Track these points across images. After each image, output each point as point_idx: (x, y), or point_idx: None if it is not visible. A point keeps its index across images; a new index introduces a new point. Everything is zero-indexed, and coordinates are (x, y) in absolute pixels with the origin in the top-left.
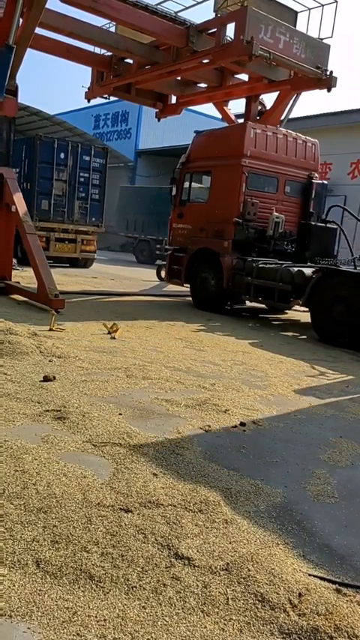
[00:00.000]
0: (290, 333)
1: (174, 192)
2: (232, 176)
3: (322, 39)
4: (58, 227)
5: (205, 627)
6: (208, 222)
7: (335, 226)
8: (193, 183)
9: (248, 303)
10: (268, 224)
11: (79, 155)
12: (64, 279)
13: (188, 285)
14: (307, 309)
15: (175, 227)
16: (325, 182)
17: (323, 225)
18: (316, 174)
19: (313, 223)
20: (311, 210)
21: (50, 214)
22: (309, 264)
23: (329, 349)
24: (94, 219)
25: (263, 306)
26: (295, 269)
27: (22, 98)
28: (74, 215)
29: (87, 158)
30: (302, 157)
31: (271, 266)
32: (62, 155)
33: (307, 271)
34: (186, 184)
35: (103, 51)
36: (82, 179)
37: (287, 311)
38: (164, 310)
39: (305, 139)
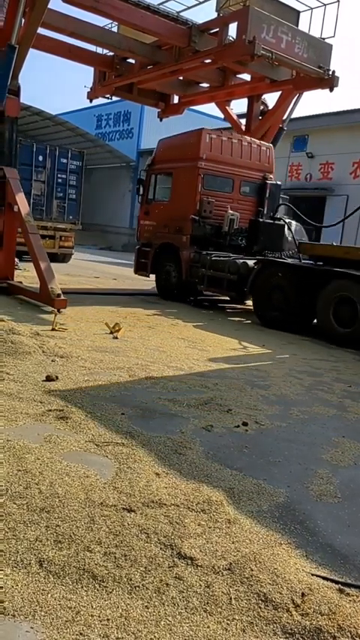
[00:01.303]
0: (237, 318)
1: (141, 192)
2: (189, 177)
3: (324, 38)
4: (37, 224)
5: (208, 627)
6: (170, 220)
7: (283, 223)
8: (157, 184)
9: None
10: (224, 221)
11: (57, 158)
12: (66, 279)
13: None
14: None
15: (142, 224)
16: (279, 182)
17: (271, 221)
18: (271, 176)
19: (261, 220)
20: (265, 208)
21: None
22: (257, 257)
23: (332, 349)
24: (71, 217)
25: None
26: (241, 261)
27: (24, 98)
28: (52, 213)
29: (64, 161)
30: (257, 160)
31: (221, 258)
32: (40, 158)
33: (251, 263)
34: (152, 185)
35: (106, 51)
36: (59, 180)
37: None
38: (167, 309)
39: (260, 143)
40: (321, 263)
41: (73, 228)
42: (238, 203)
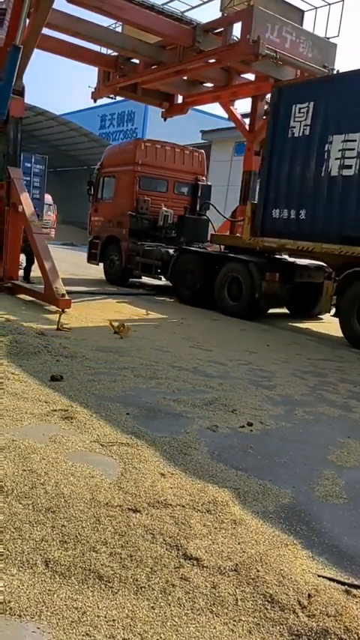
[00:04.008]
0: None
1: (92, 192)
2: (128, 180)
3: (328, 38)
4: None
5: (215, 628)
6: (113, 215)
7: (206, 218)
8: (104, 185)
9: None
10: (159, 216)
11: (21, 162)
12: (70, 279)
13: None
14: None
15: (93, 219)
16: (210, 184)
17: (196, 217)
18: (203, 178)
19: (187, 216)
20: (198, 205)
21: None
22: (183, 246)
23: (336, 349)
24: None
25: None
26: (164, 249)
27: (29, 98)
28: None
29: (28, 165)
30: (189, 165)
31: (151, 248)
32: None
33: (171, 251)
34: (100, 186)
35: (110, 51)
36: (24, 182)
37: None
38: (169, 309)
39: (192, 150)
40: (227, 250)
41: None
42: (172, 201)
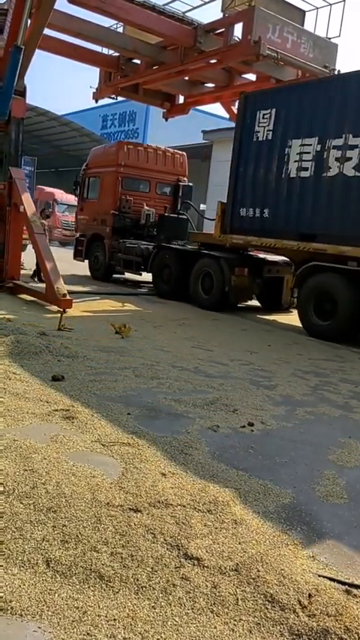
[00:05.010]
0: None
1: (78, 192)
2: (111, 180)
3: (329, 38)
4: None
5: (215, 627)
6: (98, 214)
7: (186, 217)
8: (90, 185)
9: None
10: (141, 215)
11: None
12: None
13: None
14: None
15: (79, 218)
16: (191, 184)
17: (175, 216)
18: (184, 179)
19: (167, 215)
20: (179, 205)
21: None
22: (163, 244)
23: (337, 349)
24: None
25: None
26: (144, 246)
27: (30, 99)
28: None
29: None
30: (171, 166)
31: (132, 245)
32: None
33: (150, 248)
34: (86, 186)
35: (111, 51)
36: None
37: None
38: (172, 310)
39: (174, 152)
40: (203, 247)
41: None
42: (155, 201)
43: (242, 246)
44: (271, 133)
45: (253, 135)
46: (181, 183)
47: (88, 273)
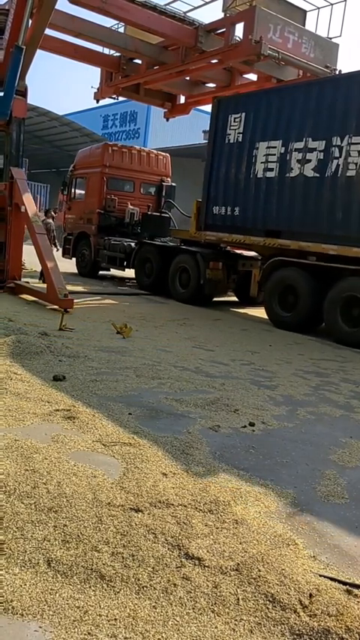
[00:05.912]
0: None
1: (65, 192)
2: (97, 180)
3: (331, 38)
4: None
5: (216, 627)
6: (84, 213)
7: (168, 215)
8: (77, 186)
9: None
10: (125, 214)
11: None
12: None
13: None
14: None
15: (67, 217)
16: (174, 184)
17: (158, 214)
18: (167, 179)
19: (149, 213)
20: (162, 204)
21: None
22: (145, 240)
23: (338, 349)
24: None
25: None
26: (127, 243)
27: (31, 99)
28: None
29: None
30: (155, 167)
31: (117, 242)
32: None
33: (133, 244)
34: (73, 186)
35: (112, 51)
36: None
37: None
38: (173, 310)
39: (157, 153)
40: (183, 244)
41: None
42: (139, 200)
43: (216, 242)
44: (241, 135)
45: (225, 137)
46: (164, 183)
47: (75, 270)
